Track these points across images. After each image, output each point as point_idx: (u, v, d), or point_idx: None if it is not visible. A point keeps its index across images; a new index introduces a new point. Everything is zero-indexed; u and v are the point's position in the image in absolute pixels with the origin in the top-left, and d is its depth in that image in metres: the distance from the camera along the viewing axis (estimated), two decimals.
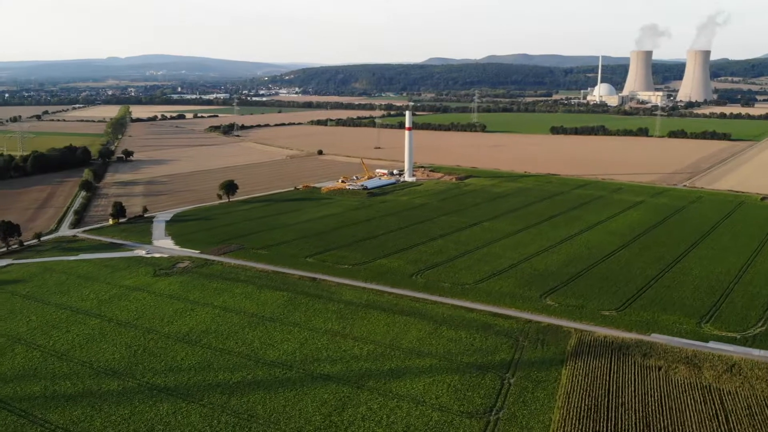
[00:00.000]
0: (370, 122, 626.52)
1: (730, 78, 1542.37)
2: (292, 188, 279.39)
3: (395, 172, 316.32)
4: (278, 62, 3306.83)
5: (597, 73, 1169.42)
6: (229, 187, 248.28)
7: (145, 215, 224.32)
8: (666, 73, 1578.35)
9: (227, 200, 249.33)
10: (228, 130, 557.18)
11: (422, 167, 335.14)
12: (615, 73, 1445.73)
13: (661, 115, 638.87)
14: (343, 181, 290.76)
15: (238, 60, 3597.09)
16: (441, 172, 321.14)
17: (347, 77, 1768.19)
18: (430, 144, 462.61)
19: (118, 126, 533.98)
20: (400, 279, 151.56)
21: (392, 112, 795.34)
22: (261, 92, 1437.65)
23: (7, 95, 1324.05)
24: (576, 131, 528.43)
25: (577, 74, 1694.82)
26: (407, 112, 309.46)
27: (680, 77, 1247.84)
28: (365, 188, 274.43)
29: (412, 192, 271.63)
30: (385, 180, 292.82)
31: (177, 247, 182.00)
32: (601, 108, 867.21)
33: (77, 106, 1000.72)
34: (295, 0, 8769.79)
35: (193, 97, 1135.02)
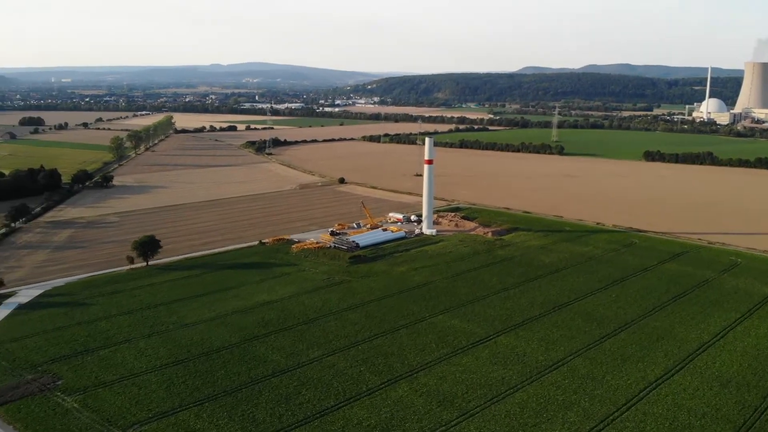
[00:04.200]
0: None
1: None
2: (257, 242, 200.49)
3: (413, 218, 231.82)
4: (370, 71, 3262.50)
5: (705, 86, 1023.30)
6: (146, 248, 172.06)
7: (0, 291, 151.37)
8: None
9: (145, 264, 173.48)
10: (261, 147, 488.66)
11: (454, 211, 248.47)
12: (726, 86, 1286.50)
13: None
14: (334, 232, 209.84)
15: (333, 68, 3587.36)
16: (478, 219, 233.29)
17: (430, 86, 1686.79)
18: (485, 171, 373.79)
19: (138, 138, 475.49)
20: None
21: (461, 127, 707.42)
22: (337, 102, 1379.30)
23: (87, 99, 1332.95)
24: (676, 159, 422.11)
25: (683, 87, 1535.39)
26: (427, 140, 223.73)
27: None
28: (356, 246, 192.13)
29: (418, 256, 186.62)
30: (389, 233, 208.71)
31: None
32: (709, 127, 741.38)
33: (143, 113, 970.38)
34: (395, 9, 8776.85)
35: (265, 106, 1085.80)
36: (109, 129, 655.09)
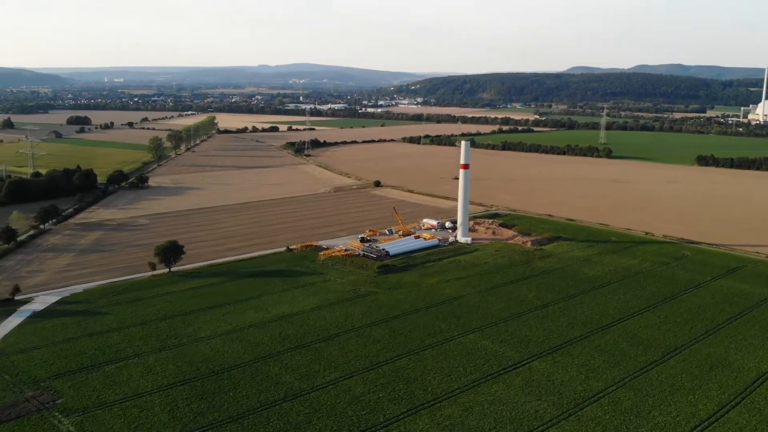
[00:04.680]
0: (469, 140, 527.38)
1: None
2: (285, 248, 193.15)
3: (448, 225, 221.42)
4: (415, 71, 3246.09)
5: (762, 87, 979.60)
6: (168, 254, 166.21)
7: (16, 297, 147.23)
8: None
9: (167, 270, 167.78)
10: (300, 148, 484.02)
11: (492, 218, 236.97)
12: None
13: None
14: (364, 239, 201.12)
15: (378, 69, 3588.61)
16: (517, 227, 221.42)
17: (475, 87, 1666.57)
18: (527, 175, 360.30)
19: (179, 138, 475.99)
20: None
21: (504, 128, 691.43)
22: (380, 103, 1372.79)
23: (136, 99, 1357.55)
24: (731, 164, 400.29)
25: (738, 88, 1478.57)
26: (463, 143, 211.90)
27: None
28: (386, 254, 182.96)
29: (451, 267, 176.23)
30: (421, 241, 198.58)
31: None
32: (766, 130, 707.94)
33: (188, 113, 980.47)
34: (443, 9, 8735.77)
35: (308, 107, 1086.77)
36: (153, 129, 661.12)
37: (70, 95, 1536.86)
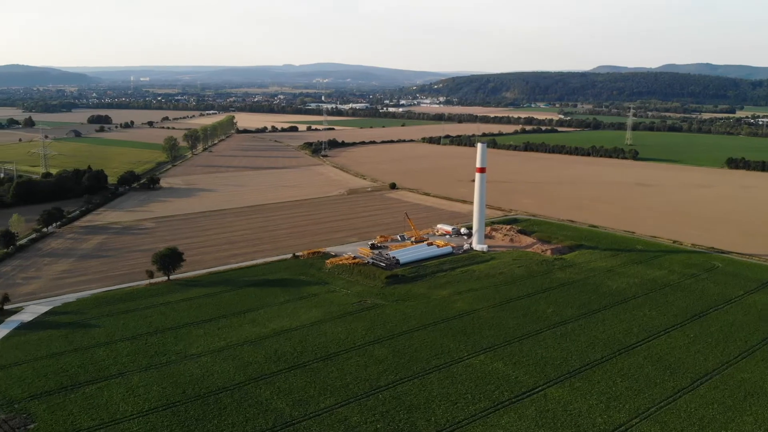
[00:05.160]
0: (490, 141, 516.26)
1: None
2: (291, 255, 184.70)
3: (463, 231, 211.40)
4: (439, 70, 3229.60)
5: None
6: (167, 261, 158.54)
7: (5, 307, 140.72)
8: None
9: (166, 278, 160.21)
10: (318, 148, 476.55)
11: (510, 223, 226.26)
12: None
13: None
14: (374, 245, 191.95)
15: (401, 68, 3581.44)
16: (536, 234, 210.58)
17: (498, 86, 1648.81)
18: (549, 177, 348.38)
19: (195, 138, 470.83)
20: None
21: (527, 128, 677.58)
22: (401, 102, 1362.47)
23: (159, 98, 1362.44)
24: (763, 167, 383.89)
25: None
26: (479, 146, 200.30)
27: None
28: (395, 263, 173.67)
29: (464, 277, 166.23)
30: (434, 249, 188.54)
31: None
32: None
33: (210, 112, 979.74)
34: (466, 8, 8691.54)
35: (330, 106, 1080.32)
36: (173, 128, 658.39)
37: (94, 94, 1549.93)
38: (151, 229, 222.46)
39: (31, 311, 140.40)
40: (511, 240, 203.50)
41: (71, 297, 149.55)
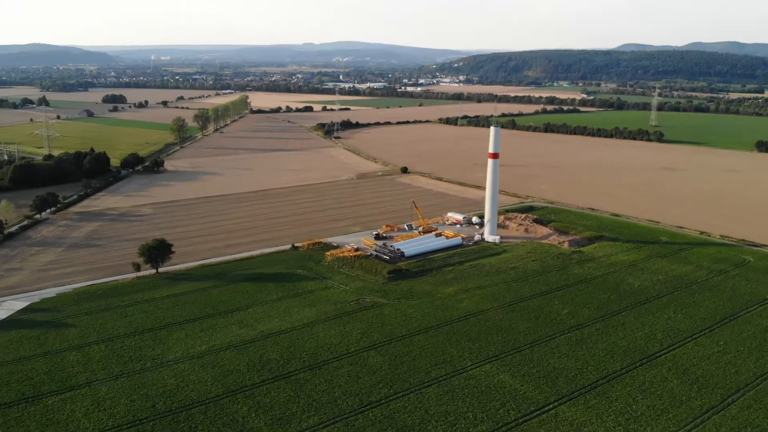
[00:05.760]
0: (509, 122, 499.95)
1: None
2: (290, 245, 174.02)
3: (475, 220, 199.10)
4: (460, 48, 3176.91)
5: None
6: (154, 253, 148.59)
7: None
8: None
9: (154, 271, 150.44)
10: (330, 130, 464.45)
11: (526, 211, 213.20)
12: None
13: None
14: (379, 235, 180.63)
15: (422, 47, 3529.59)
16: (553, 223, 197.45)
17: (520, 64, 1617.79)
18: (570, 161, 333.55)
19: (205, 119, 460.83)
20: None
21: (548, 108, 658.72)
22: (420, 81, 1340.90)
23: (177, 77, 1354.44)
24: None
25: None
26: (492, 129, 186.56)
27: None
28: (400, 255, 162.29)
29: (473, 272, 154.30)
30: (442, 240, 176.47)
31: None
32: None
33: (226, 92, 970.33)
34: None
35: (344, 86, 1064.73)
36: (187, 108, 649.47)
37: (113, 73, 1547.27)
38: (147, 216, 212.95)
39: (7, 308, 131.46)
40: (526, 230, 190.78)
41: (51, 292, 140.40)
